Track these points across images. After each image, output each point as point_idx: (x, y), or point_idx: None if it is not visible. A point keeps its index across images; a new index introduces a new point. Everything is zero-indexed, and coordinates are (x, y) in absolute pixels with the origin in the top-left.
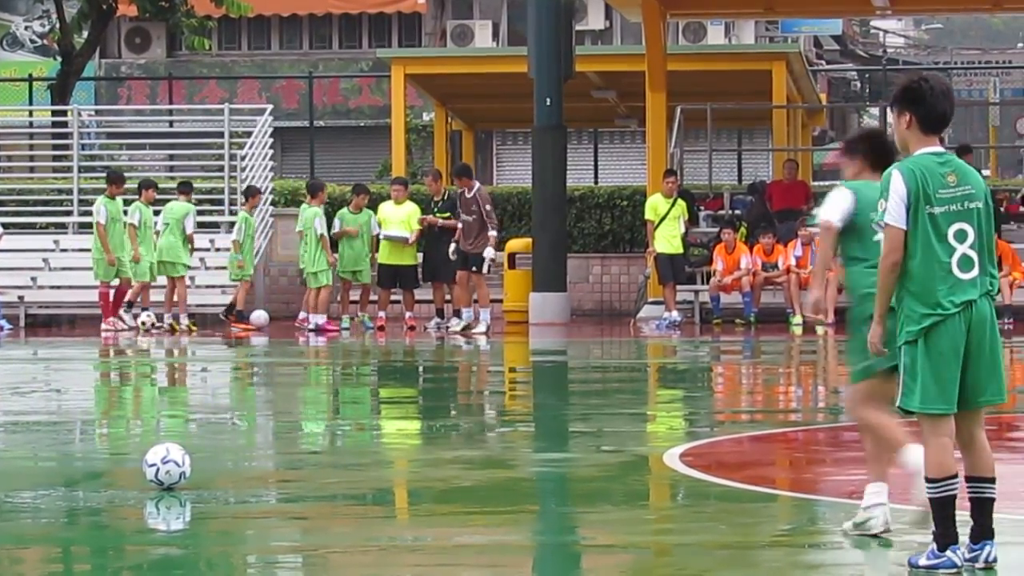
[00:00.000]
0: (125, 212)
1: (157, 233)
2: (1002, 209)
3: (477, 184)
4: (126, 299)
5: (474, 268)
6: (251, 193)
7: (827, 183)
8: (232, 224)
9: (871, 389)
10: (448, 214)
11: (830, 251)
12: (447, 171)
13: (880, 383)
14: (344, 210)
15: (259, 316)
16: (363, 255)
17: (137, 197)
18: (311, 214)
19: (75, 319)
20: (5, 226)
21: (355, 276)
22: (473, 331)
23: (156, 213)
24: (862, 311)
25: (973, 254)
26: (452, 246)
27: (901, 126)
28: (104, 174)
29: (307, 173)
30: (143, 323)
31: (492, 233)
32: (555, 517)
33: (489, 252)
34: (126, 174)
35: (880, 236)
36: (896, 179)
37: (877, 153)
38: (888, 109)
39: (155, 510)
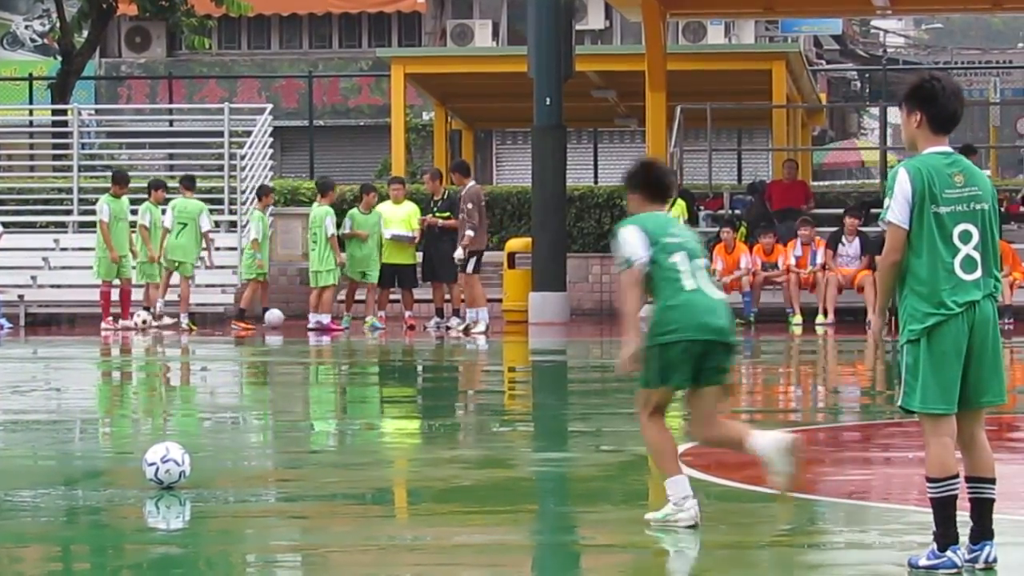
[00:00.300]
0: (133, 212)
1: (167, 231)
2: (1002, 209)
3: (469, 182)
4: (151, 305)
5: (461, 268)
6: (263, 192)
7: (827, 183)
8: (232, 223)
9: (657, 397)
10: (448, 214)
11: (639, 295)
12: (446, 171)
13: (662, 393)
14: (354, 210)
15: (273, 315)
16: (373, 255)
17: (145, 197)
18: (322, 213)
19: (75, 318)
20: (5, 225)
21: (363, 276)
22: (473, 331)
23: (162, 212)
24: (651, 339)
25: (977, 255)
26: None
27: (911, 125)
28: (104, 173)
29: (307, 173)
30: (138, 315)
31: (468, 232)
32: (554, 517)
33: (458, 252)
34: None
35: (677, 258)
36: (902, 178)
37: (653, 185)
38: (897, 107)
39: (155, 509)
